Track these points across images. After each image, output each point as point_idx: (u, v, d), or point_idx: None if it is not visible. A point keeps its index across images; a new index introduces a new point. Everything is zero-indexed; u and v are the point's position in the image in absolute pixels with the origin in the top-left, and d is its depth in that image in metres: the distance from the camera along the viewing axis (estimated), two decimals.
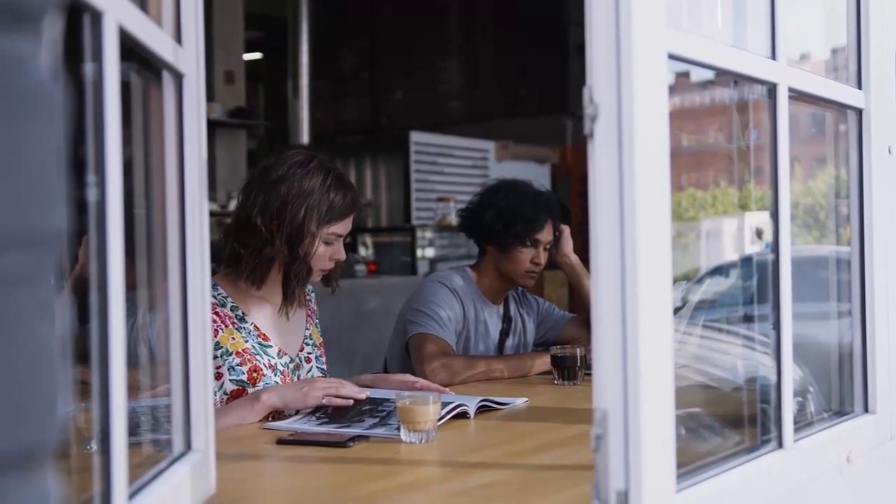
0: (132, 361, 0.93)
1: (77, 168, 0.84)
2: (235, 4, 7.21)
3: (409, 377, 2.16)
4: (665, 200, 1.06)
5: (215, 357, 1.99)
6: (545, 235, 2.66)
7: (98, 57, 0.85)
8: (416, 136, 7.77)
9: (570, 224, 2.81)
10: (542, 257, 2.66)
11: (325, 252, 2.08)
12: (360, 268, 6.01)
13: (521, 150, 8.06)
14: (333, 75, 9.37)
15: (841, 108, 1.63)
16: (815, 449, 1.44)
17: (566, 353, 2.39)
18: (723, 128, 1.78)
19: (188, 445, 1.19)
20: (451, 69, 9.17)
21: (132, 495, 0.94)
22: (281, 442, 1.70)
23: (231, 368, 2.01)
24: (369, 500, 1.34)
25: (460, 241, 6.66)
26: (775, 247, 1.35)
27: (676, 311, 1.74)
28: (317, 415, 1.86)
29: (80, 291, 0.94)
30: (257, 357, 2.05)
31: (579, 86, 1.04)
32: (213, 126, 6.70)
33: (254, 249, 2.03)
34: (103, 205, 0.86)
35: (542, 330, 2.86)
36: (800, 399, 1.50)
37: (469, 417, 1.89)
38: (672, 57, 1.09)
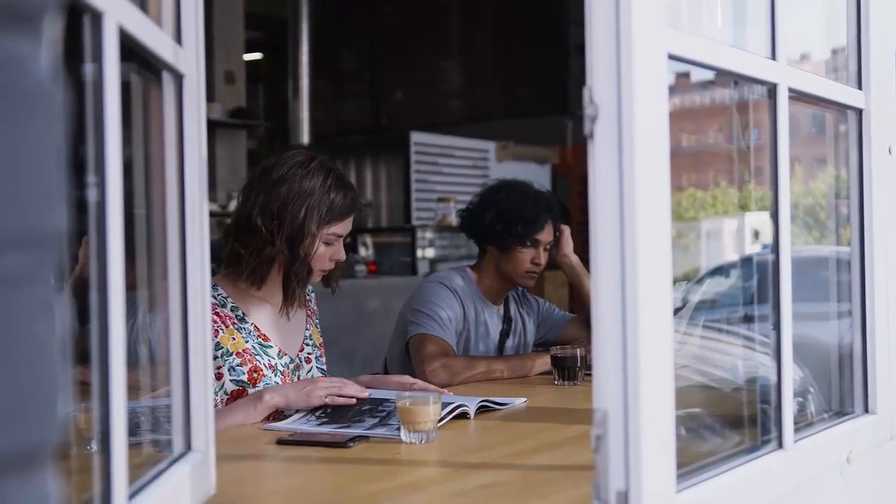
0: (132, 361, 0.93)
1: (77, 168, 0.84)
2: (235, 4, 7.22)
3: (407, 378, 2.16)
4: (665, 201, 1.06)
5: (216, 357, 1.99)
6: (545, 236, 2.66)
7: (98, 57, 0.85)
8: (416, 137, 7.77)
9: (571, 224, 2.81)
10: (543, 258, 2.66)
11: (326, 252, 2.08)
12: (361, 268, 6.01)
13: (521, 150, 8.06)
14: (333, 75, 9.38)
15: (841, 108, 1.63)
16: (815, 449, 1.44)
17: (566, 353, 2.39)
18: (723, 128, 1.78)
19: (188, 446, 1.19)
20: (451, 69, 9.17)
21: (132, 496, 0.94)
22: (281, 442, 1.70)
23: (231, 369, 2.01)
24: (369, 500, 1.34)
25: (460, 241, 6.66)
26: (775, 247, 1.35)
27: (676, 311, 1.74)
28: (316, 414, 1.86)
29: (80, 292, 0.94)
30: (257, 357, 2.05)
31: (579, 86, 1.04)
32: (213, 126, 6.70)
33: (254, 250, 2.03)
34: (103, 205, 0.86)
35: (543, 330, 2.86)
36: (800, 399, 1.50)
37: (469, 418, 1.89)
38: (672, 57, 1.09)
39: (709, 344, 1.83)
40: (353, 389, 1.90)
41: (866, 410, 1.62)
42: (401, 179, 7.91)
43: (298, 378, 2.13)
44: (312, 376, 2.16)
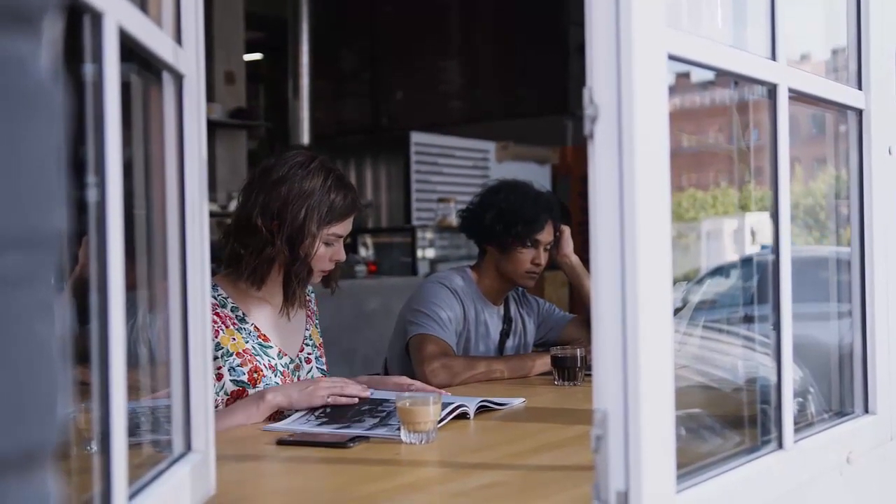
0: (132, 362, 0.93)
1: (77, 168, 0.84)
2: (235, 4, 7.22)
3: (405, 380, 2.16)
4: (665, 201, 1.06)
5: (216, 358, 1.99)
6: (545, 236, 2.66)
7: (98, 58, 0.85)
8: (416, 137, 7.77)
9: (571, 224, 2.81)
10: (543, 258, 2.66)
11: (326, 253, 2.08)
12: (361, 268, 6.01)
13: (521, 150, 8.06)
14: (333, 75, 9.38)
15: (841, 108, 1.63)
16: (815, 449, 1.44)
17: (566, 353, 2.39)
18: (723, 128, 1.78)
19: (188, 446, 1.19)
20: (451, 69, 9.17)
21: (132, 496, 0.94)
22: (281, 443, 1.70)
23: (232, 369, 2.01)
24: (369, 500, 1.34)
25: (461, 241, 6.66)
26: (775, 247, 1.35)
27: (677, 311, 1.74)
28: (316, 414, 1.86)
29: (80, 292, 0.94)
30: (257, 358, 2.05)
31: (579, 86, 1.04)
32: (213, 126, 6.70)
33: (254, 250, 2.03)
34: (103, 205, 0.86)
35: (543, 330, 2.86)
36: (800, 399, 1.50)
37: (469, 418, 1.89)
38: (672, 57, 1.09)
39: (709, 344, 1.83)
40: (355, 389, 1.91)
41: (866, 411, 1.62)
42: (401, 179, 7.91)
43: (298, 378, 2.13)
44: (312, 376, 2.16)
